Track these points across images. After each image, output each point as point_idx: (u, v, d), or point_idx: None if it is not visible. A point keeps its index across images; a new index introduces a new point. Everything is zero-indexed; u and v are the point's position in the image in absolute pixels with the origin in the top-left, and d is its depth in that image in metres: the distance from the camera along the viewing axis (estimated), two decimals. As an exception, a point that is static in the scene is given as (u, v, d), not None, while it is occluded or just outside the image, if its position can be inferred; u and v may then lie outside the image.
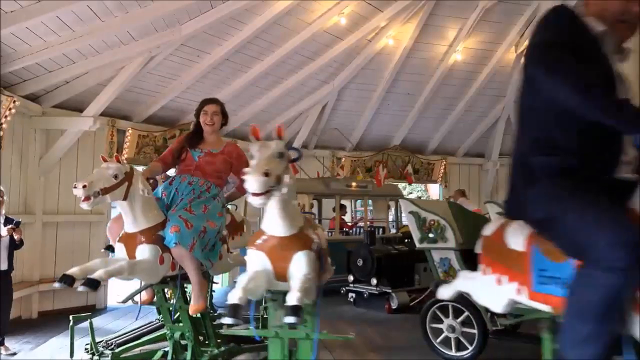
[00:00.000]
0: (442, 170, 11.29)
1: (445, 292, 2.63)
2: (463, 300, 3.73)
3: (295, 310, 2.21)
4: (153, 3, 6.03)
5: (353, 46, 8.31)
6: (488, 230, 2.28)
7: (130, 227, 3.16)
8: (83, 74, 6.71)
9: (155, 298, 3.73)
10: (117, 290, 7.01)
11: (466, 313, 4.63)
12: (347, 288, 7.62)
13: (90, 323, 3.78)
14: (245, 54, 7.65)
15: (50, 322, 6.21)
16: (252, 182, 2.15)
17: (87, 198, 2.88)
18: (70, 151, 7.10)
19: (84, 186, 2.85)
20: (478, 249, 2.30)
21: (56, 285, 2.81)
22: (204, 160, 3.63)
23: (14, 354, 5.09)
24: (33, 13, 5.28)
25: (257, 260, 2.55)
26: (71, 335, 3.73)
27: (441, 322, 4.83)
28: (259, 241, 2.57)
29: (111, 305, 7.34)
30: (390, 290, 7.04)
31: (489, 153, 11.30)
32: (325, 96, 9.29)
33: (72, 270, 2.90)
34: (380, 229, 9.66)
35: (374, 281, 7.18)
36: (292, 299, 2.25)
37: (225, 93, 8.01)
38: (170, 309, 3.77)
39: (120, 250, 3.19)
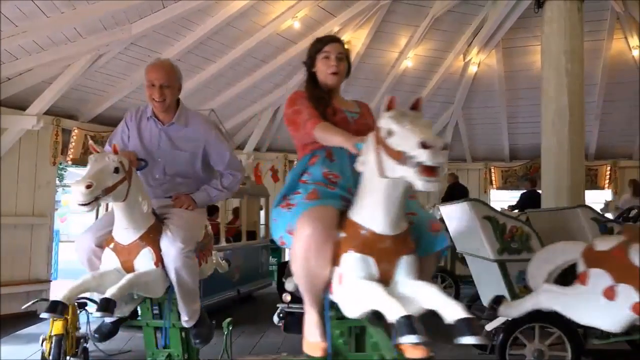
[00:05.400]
0: (393, 174, 11.46)
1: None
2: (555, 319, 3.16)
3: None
4: (102, 0, 5.89)
5: (306, 50, 8.33)
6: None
7: (388, 228, 1.99)
8: (26, 71, 6.44)
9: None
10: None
11: (557, 334, 3.79)
12: (286, 310, 6.27)
13: None
14: (197, 55, 7.57)
15: (-11, 328, 5.93)
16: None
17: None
18: (12, 151, 6.79)
19: None
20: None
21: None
22: (361, 123, 2.38)
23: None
24: (-28, 6, 5.07)
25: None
26: None
27: (521, 346, 3.90)
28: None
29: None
30: None
31: (437, 158, 11.55)
32: (278, 99, 9.29)
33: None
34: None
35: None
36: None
37: (177, 94, 7.90)
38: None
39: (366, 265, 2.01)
